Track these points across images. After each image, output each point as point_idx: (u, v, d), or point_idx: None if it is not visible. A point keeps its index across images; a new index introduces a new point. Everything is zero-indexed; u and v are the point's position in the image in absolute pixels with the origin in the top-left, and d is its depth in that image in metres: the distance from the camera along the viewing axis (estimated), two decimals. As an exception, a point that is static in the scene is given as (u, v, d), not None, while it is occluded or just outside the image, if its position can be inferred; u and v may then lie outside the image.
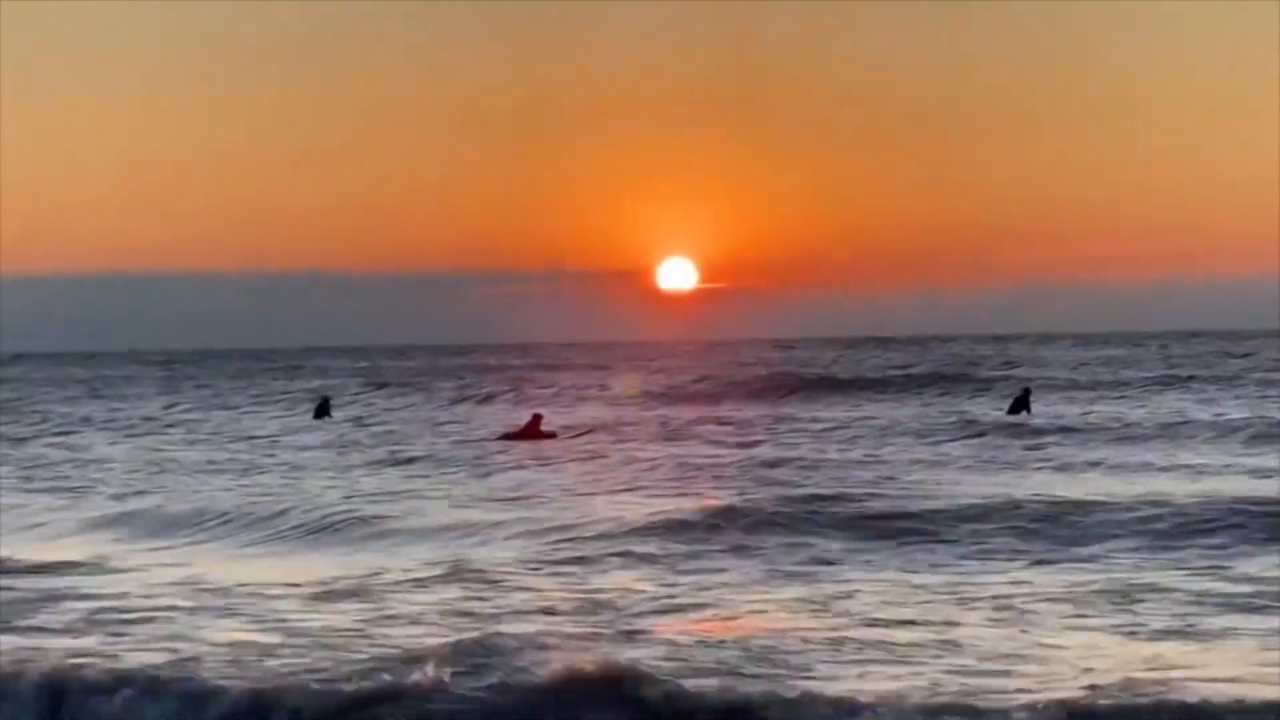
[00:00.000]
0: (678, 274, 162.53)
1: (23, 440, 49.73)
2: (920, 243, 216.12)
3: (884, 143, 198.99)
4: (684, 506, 26.19)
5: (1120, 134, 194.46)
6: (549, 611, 17.82)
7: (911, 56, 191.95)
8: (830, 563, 21.44)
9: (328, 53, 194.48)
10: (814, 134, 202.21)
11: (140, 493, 31.93)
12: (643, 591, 19.06)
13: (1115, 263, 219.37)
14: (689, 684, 13.53)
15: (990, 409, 52.53)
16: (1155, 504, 24.84)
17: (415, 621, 17.19)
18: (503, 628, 16.24)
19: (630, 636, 16.19)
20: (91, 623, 17.58)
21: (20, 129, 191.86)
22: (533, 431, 43.88)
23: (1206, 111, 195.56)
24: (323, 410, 58.33)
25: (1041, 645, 15.61)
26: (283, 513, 27.13)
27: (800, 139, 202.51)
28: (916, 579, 19.94)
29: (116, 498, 31.28)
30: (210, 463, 39.60)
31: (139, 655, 15.43)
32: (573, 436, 44.93)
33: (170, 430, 54.70)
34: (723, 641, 15.90)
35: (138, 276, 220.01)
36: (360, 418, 58.19)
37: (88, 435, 52.59)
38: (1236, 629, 16.26)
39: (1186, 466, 33.04)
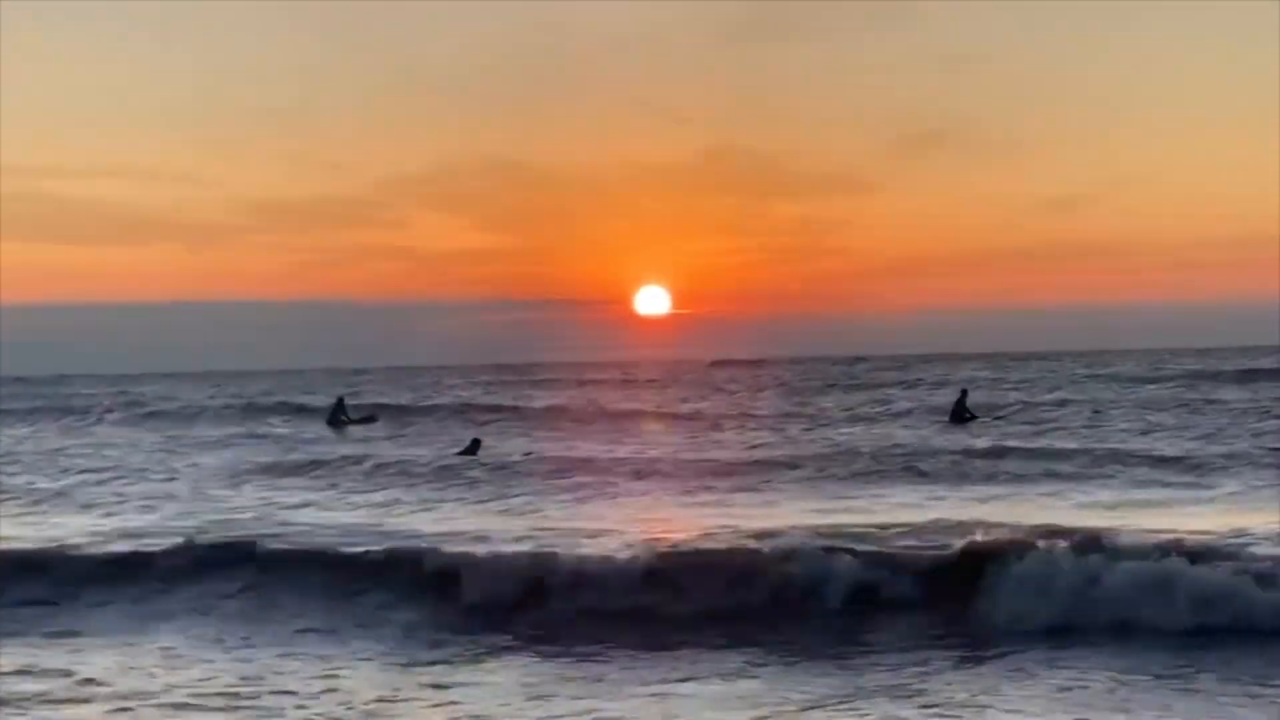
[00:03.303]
0: (652, 301, 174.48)
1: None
2: (871, 271, 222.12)
3: (832, 184, 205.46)
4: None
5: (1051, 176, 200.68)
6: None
7: (857, 104, 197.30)
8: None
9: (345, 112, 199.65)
10: (766, 180, 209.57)
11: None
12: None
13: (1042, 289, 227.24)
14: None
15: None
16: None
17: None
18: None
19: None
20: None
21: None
22: (472, 452, 48.69)
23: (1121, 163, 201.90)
24: (336, 414, 59.72)
25: None
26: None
27: (753, 185, 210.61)
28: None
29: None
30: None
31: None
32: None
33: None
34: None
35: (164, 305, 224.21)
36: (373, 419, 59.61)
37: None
38: None
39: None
